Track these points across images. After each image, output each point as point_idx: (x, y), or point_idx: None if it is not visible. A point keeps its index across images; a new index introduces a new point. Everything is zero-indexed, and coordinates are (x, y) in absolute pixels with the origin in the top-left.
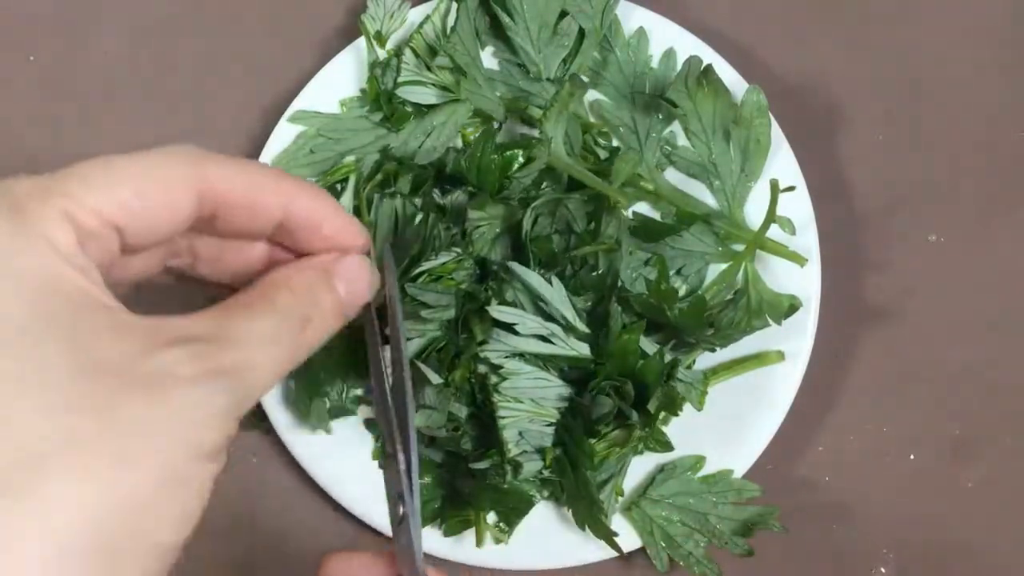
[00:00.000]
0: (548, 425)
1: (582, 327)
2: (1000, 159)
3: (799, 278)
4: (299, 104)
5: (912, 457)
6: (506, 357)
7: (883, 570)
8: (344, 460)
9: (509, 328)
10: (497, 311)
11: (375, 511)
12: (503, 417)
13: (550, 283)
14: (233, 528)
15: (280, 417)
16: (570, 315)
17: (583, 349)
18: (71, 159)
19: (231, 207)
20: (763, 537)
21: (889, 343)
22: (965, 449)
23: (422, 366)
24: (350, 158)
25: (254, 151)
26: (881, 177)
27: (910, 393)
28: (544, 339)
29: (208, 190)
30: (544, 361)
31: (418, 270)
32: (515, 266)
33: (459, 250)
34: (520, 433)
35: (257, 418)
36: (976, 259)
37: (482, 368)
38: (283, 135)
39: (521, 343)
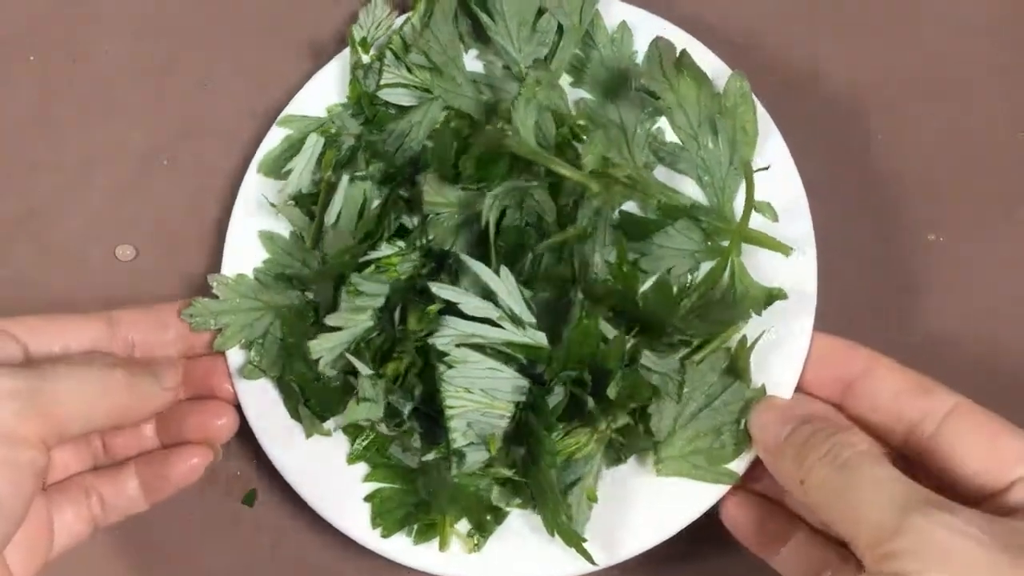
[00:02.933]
0: (500, 417)
1: (530, 318)
2: (1000, 158)
3: (795, 274)
4: (290, 110)
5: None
6: (457, 346)
7: None
8: (319, 465)
9: (459, 314)
10: (437, 287)
11: (347, 516)
12: (451, 407)
13: (498, 274)
14: (221, 532)
15: (261, 425)
16: (517, 307)
17: (539, 338)
18: (71, 159)
19: None
20: None
21: (889, 343)
22: None
23: (352, 357)
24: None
25: (250, 153)
26: (881, 175)
27: None
28: (495, 324)
29: None
30: (502, 355)
31: (364, 259)
32: (464, 257)
33: (403, 244)
34: (468, 424)
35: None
36: (976, 258)
37: (431, 360)
38: (274, 139)
39: (470, 328)
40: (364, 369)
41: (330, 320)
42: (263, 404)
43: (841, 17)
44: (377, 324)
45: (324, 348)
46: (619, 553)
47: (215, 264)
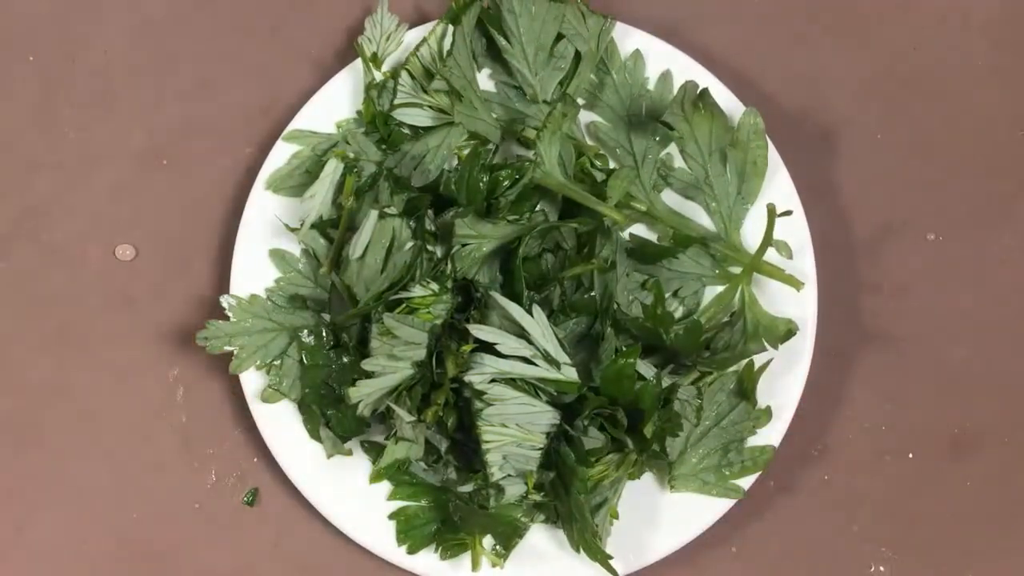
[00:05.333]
0: (534, 449)
1: (564, 358)
2: (999, 158)
3: (795, 296)
4: (295, 125)
5: (912, 456)
6: (491, 382)
7: (882, 569)
8: (341, 483)
9: (492, 351)
10: (477, 329)
11: (369, 531)
12: (488, 442)
13: (531, 314)
14: (224, 531)
15: (277, 443)
16: (551, 348)
17: (570, 374)
18: (71, 159)
19: None
20: (763, 535)
21: (888, 342)
22: (964, 448)
23: (394, 406)
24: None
25: (250, 153)
26: (880, 176)
27: (910, 393)
28: (528, 361)
29: None
30: (533, 388)
31: (395, 297)
32: (497, 296)
33: (436, 287)
34: (504, 457)
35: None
36: (975, 257)
37: (466, 394)
38: (281, 155)
39: (505, 365)
40: (406, 416)
41: (366, 365)
42: (279, 423)
43: (840, 17)
44: (418, 372)
45: (363, 394)
46: (634, 563)
47: (214, 264)
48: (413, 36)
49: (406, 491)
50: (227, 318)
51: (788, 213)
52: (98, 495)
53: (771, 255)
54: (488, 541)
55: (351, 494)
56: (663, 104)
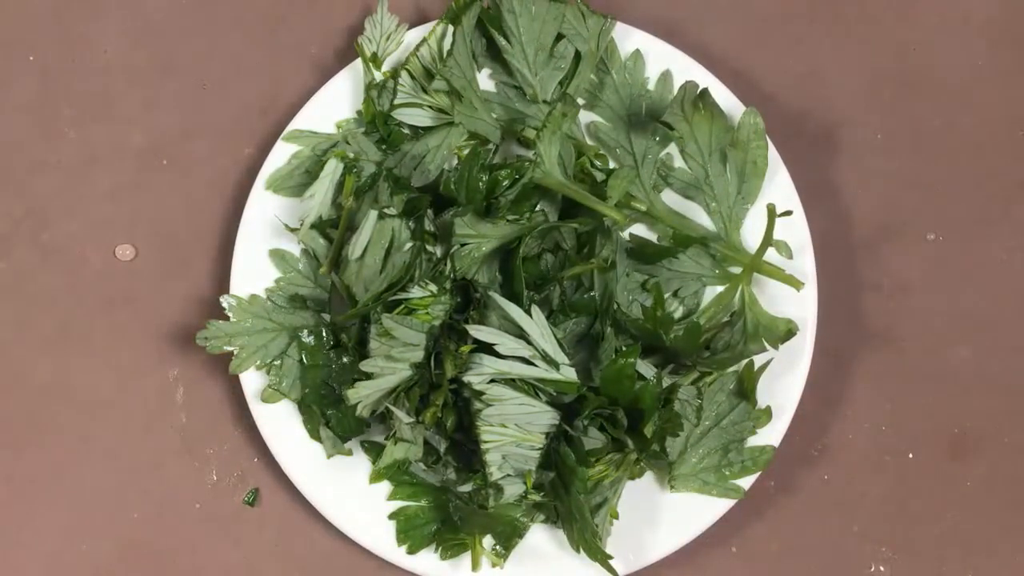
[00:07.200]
0: (534, 449)
1: (563, 359)
2: (999, 158)
3: (795, 296)
4: (295, 125)
5: (911, 456)
6: (490, 382)
7: (882, 568)
8: (341, 483)
9: (491, 351)
10: (476, 330)
11: (369, 531)
12: (487, 442)
13: (530, 314)
14: (224, 531)
15: (277, 443)
16: (550, 348)
17: (569, 374)
18: (71, 159)
19: None
20: (763, 535)
21: (888, 342)
22: (964, 448)
23: (393, 408)
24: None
25: (250, 153)
26: (880, 176)
27: (910, 393)
28: (527, 362)
29: None
30: (532, 388)
31: (394, 298)
32: (496, 296)
33: (434, 288)
34: (503, 457)
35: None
36: (975, 257)
37: (465, 394)
38: (281, 155)
39: (503, 365)
40: (404, 417)
41: (365, 366)
42: (279, 423)
43: (840, 18)
44: (416, 373)
45: (362, 395)
46: (634, 563)
47: (214, 264)
48: (413, 36)
49: (406, 491)
50: (227, 318)
51: (788, 213)
52: (98, 495)
53: (771, 255)
54: (488, 541)
55: (351, 494)
56: (663, 104)
